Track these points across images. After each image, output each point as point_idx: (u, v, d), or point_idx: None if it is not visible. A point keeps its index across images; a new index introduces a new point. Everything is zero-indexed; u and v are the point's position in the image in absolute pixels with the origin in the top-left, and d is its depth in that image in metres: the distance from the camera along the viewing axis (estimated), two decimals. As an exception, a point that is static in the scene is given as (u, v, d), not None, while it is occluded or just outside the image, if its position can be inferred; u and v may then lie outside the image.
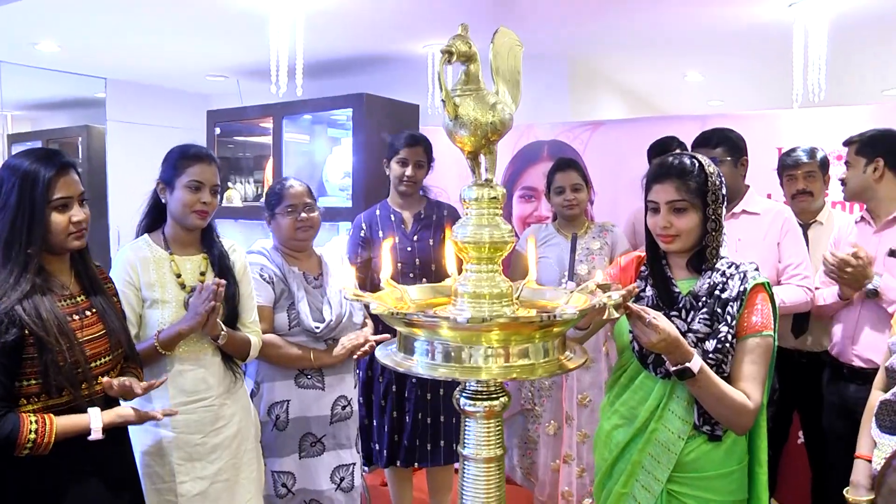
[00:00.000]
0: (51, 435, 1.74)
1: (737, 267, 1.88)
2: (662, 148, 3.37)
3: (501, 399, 1.52)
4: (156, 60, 5.02)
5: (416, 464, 3.26)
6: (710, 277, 1.87)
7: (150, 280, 2.26)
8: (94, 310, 1.94)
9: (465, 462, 1.54)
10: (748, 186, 2.98)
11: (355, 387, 2.83)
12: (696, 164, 1.87)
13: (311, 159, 4.96)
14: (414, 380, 3.16)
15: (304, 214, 2.73)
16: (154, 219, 2.41)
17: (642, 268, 2.03)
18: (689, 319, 1.86)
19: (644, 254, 2.06)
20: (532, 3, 3.70)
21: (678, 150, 3.32)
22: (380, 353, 1.53)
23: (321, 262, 2.83)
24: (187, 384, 2.27)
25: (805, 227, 3.05)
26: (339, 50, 4.60)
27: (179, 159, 2.32)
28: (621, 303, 1.61)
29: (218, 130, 5.04)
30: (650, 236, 1.96)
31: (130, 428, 2.23)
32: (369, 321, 2.88)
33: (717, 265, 1.89)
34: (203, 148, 2.43)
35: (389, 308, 1.40)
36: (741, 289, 1.84)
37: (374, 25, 4.10)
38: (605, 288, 1.57)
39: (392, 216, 3.29)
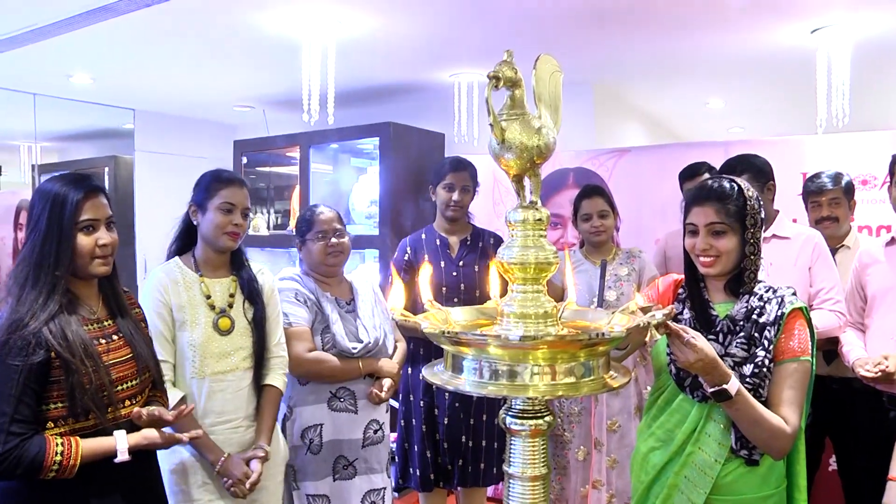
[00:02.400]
0: (76, 457, 1.74)
1: (774, 291, 1.89)
2: (693, 172, 3.40)
3: (546, 418, 1.54)
4: (184, 91, 5.12)
5: (455, 485, 3.28)
6: (747, 301, 1.88)
7: (180, 302, 2.31)
8: (120, 334, 1.96)
9: (511, 480, 1.55)
10: (777, 211, 2.99)
11: (387, 411, 2.85)
12: (736, 188, 1.90)
13: (336, 188, 5.02)
14: (457, 403, 3.19)
15: (334, 240, 2.76)
16: (185, 242, 2.46)
17: (680, 290, 2.05)
18: (726, 343, 1.87)
19: (681, 277, 2.07)
20: (557, 30, 3.76)
21: (708, 175, 3.35)
22: (427, 373, 1.55)
23: (352, 288, 2.86)
24: (216, 406, 2.31)
25: (833, 251, 3.05)
26: (365, 79, 4.67)
27: (212, 182, 2.38)
28: (662, 321, 1.63)
29: (245, 160, 5.13)
30: (689, 259, 1.98)
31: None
32: (400, 344, 2.91)
33: (755, 289, 1.90)
34: (235, 172, 2.51)
35: (440, 327, 1.43)
36: (779, 313, 1.84)
37: (401, 54, 4.17)
38: (646, 310, 1.59)
39: (438, 241, 3.33)
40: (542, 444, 1.55)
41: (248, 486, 2.25)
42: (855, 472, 2.90)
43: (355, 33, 3.68)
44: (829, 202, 3.13)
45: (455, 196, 3.27)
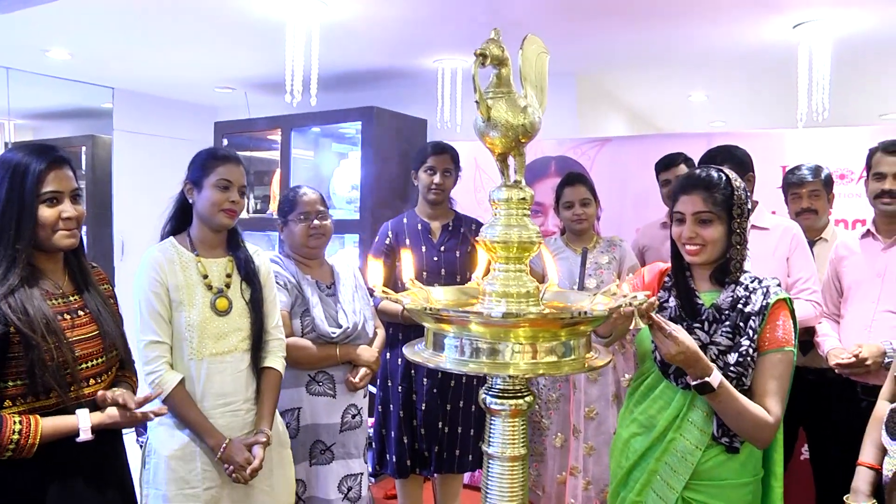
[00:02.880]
0: (35, 436, 1.68)
1: (759, 281, 1.92)
2: (669, 163, 3.42)
3: (527, 398, 1.54)
4: (165, 71, 5.05)
5: (432, 472, 3.29)
6: (733, 291, 1.91)
7: (177, 282, 2.26)
8: (87, 310, 1.90)
9: (490, 461, 1.56)
10: (756, 202, 3.01)
11: (365, 396, 2.84)
12: (724, 178, 1.92)
13: (317, 172, 5.00)
14: (435, 389, 3.19)
15: (316, 221, 2.75)
16: (180, 221, 2.41)
17: (665, 279, 2.06)
18: (711, 332, 1.89)
19: (666, 266, 2.09)
20: (542, 20, 3.76)
21: (685, 166, 3.37)
22: (407, 352, 1.55)
23: (333, 271, 2.85)
24: (214, 388, 2.26)
25: (811, 243, 3.08)
26: (348, 63, 4.64)
27: (208, 159, 2.34)
28: (645, 311, 1.65)
29: (225, 142, 5.09)
30: (675, 247, 2.00)
31: (157, 432, 2.24)
32: (380, 331, 2.90)
33: (741, 279, 1.92)
34: (231, 149, 2.47)
35: (423, 304, 1.42)
36: (764, 303, 1.87)
37: (385, 39, 4.14)
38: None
39: (419, 225, 3.32)
40: (522, 425, 1.56)
41: (248, 472, 2.20)
42: (828, 461, 2.93)
43: (339, 16, 3.65)
44: (809, 194, 3.16)
45: (437, 179, 3.27)
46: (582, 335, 1.48)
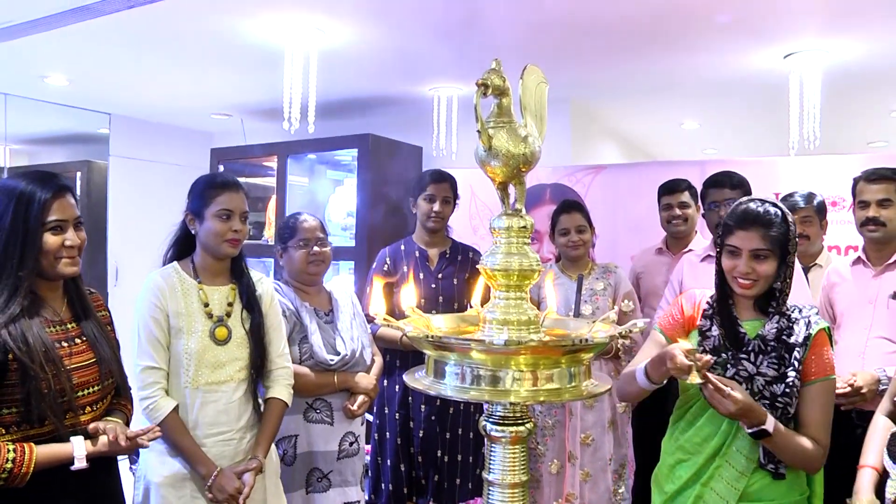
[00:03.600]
0: (30, 465, 1.67)
1: (800, 311, 1.97)
2: (673, 188, 3.46)
3: (527, 424, 1.55)
4: (162, 97, 5.08)
5: (429, 500, 3.27)
6: (777, 322, 1.95)
7: (177, 308, 2.25)
8: (84, 337, 1.90)
9: (490, 488, 1.55)
10: None
11: (363, 424, 2.83)
12: (780, 214, 1.95)
13: (313, 199, 5.02)
14: (433, 417, 3.19)
15: (316, 248, 2.75)
16: (183, 246, 2.40)
17: (705, 307, 2.07)
18: (757, 363, 1.93)
19: (702, 295, 2.12)
20: (536, 48, 3.80)
21: (688, 192, 3.40)
22: (408, 379, 1.56)
23: (331, 299, 2.85)
24: (208, 417, 2.25)
25: (805, 270, 3.11)
26: (345, 90, 4.68)
27: (207, 189, 2.33)
28: (702, 368, 1.75)
29: (221, 168, 5.10)
30: (721, 277, 2.03)
31: (148, 459, 2.23)
32: (377, 358, 2.90)
33: (783, 309, 1.97)
34: (229, 175, 2.46)
35: (424, 332, 1.43)
36: (807, 333, 1.93)
37: (381, 66, 4.18)
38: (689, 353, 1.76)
39: (417, 252, 3.33)
40: (522, 451, 1.56)
41: (241, 501, 2.18)
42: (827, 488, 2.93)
43: (337, 43, 3.69)
44: (801, 220, 3.19)
45: (436, 207, 3.29)
46: (582, 362, 1.48)
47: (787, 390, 1.88)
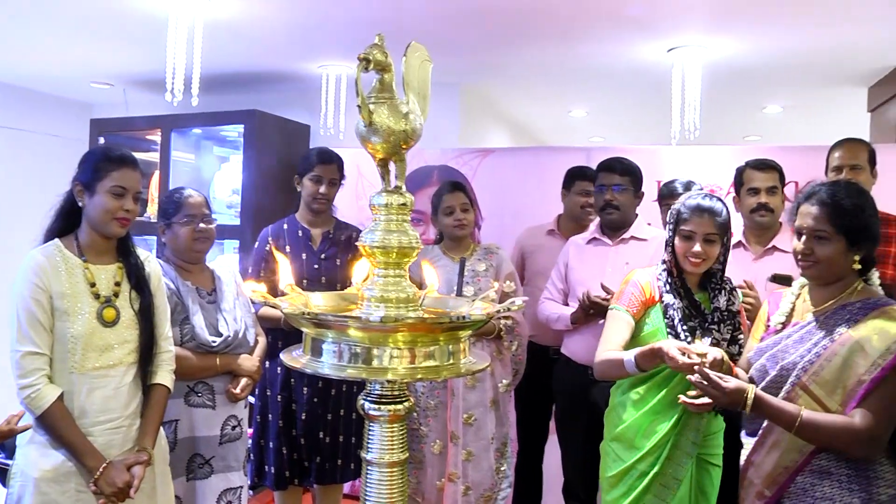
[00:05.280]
0: None
1: (731, 285, 2.46)
2: (579, 174, 3.55)
3: (405, 403, 1.55)
4: (35, 63, 4.77)
5: (312, 482, 3.25)
6: (723, 295, 2.41)
7: (62, 289, 2.12)
8: None
9: (369, 467, 1.55)
10: (637, 215, 3.20)
11: (245, 407, 2.77)
12: (724, 206, 2.39)
13: (198, 175, 4.86)
14: (316, 398, 3.15)
15: (202, 225, 2.67)
16: (66, 223, 2.25)
17: (659, 284, 2.43)
18: (722, 330, 2.36)
19: (647, 276, 2.47)
20: (427, 30, 3.80)
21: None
22: (285, 357, 1.53)
23: (214, 277, 2.77)
24: (95, 403, 2.13)
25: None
26: (232, 64, 4.53)
27: (102, 161, 2.20)
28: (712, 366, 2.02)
29: (102, 140, 4.85)
30: (674, 257, 2.41)
31: (26, 452, 2.10)
32: (261, 339, 2.84)
33: (724, 284, 2.43)
34: (127, 151, 2.31)
35: (300, 308, 1.40)
36: (738, 303, 2.46)
37: (270, 41, 4.07)
38: (702, 355, 2.06)
39: (300, 232, 3.28)
40: (401, 430, 1.56)
41: (132, 494, 2.07)
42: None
43: (223, 14, 3.56)
44: None
45: (322, 189, 3.24)
46: (461, 340, 1.49)
47: (739, 349, 2.33)
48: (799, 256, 2.00)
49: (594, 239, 3.22)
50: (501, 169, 4.26)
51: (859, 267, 1.96)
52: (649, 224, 3.29)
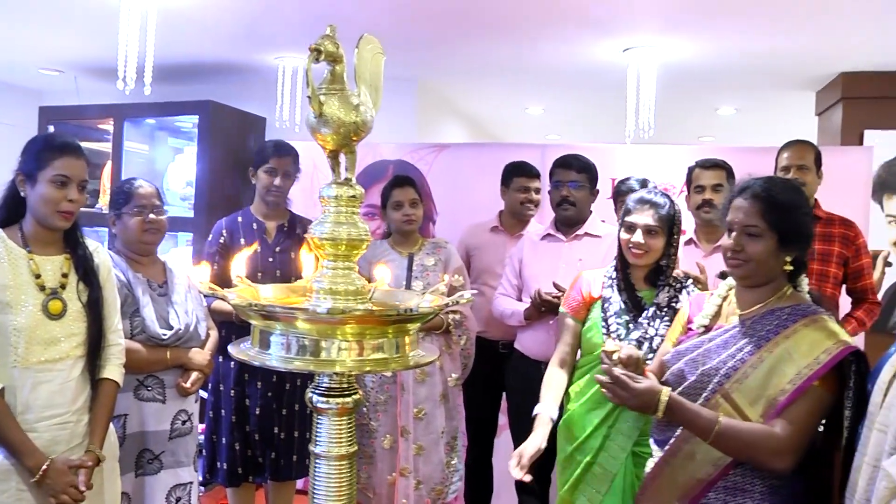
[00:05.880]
0: None
1: (683, 283, 2.42)
2: (516, 170, 3.53)
3: (354, 396, 1.54)
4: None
5: (266, 478, 3.23)
6: (667, 291, 2.38)
7: (4, 281, 2.05)
8: None
9: (317, 460, 1.55)
10: (591, 212, 3.24)
11: (196, 401, 2.73)
12: (668, 200, 2.38)
13: (151, 167, 4.78)
14: (270, 393, 3.13)
15: (152, 216, 2.62)
16: (9, 213, 2.18)
17: (605, 279, 2.46)
18: (655, 325, 2.34)
19: (592, 277, 2.51)
20: (384, 25, 3.79)
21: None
22: (233, 350, 1.51)
23: (165, 269, 2.73)
24: (40, 399, 2.07)
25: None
26: (187, 53, 4.47)
27: (43, 150, 2.13)
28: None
29: (51, 129, 4.74)
30: (620, 252, 2.42)
31: None
32: (213, 332, 2.81)
33: (671, 281, 2.40)
34: (71, 138, 2.25)
35: (247, 300, 1.39)
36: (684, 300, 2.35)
37: (225, 31, 4.03)
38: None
39: (254, 225, 3.25)
40: (349, 423, 1.56)
41: (83, 494, 2.02)
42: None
43: (178, 2, 3.51)
44: None
45: (277, 181, 3.22)
46: (409, 333, 1.50)
47: None
48: (728, 254, 1.86)
49: (548, 235, 3.24)
50: (457, 164, 4.27)
51: (790, 269, 1.85)
52: (603, 221, 3.33)
